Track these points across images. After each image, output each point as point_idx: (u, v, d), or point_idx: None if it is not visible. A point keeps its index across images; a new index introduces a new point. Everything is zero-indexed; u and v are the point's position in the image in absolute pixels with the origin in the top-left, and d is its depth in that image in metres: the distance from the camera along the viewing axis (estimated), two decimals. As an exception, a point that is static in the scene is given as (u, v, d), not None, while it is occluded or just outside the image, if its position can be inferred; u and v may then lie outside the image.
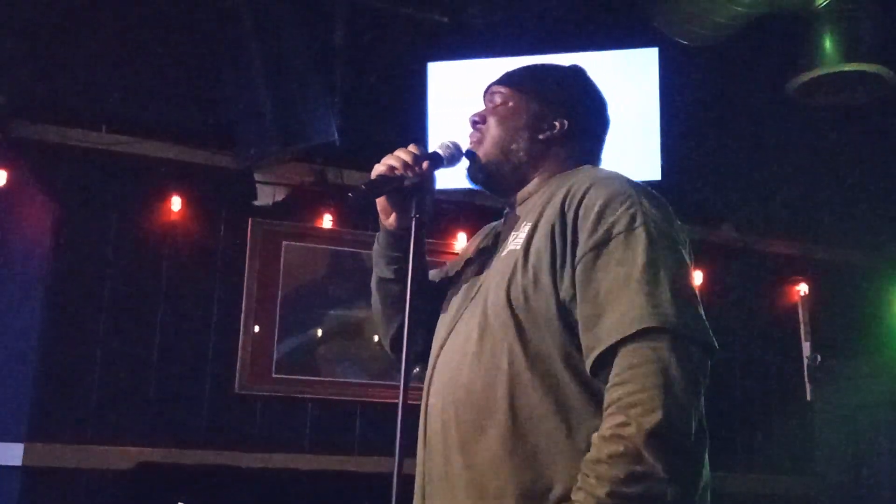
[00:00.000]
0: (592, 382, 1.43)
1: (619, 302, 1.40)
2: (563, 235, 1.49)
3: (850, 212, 4.78)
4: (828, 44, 3.56)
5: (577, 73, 1.81)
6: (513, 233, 1.62)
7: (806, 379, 4.59)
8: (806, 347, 4.70)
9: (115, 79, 3.89)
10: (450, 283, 1.77)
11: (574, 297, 1.45)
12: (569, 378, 1.44)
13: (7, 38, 3.68)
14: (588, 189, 1.51)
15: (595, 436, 1.34)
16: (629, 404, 1.32)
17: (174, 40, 3.92)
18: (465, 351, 1.54)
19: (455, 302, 1.68)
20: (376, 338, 1.96)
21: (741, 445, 4.68)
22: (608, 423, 1.33)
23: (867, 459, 4.08)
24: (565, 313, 1.46)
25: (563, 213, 1.51)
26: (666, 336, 1.36)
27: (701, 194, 4.46)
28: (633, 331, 1.36)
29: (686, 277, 1.47)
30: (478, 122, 1.74)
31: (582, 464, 1.34)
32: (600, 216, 1.46)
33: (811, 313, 4.77)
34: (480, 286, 1.62)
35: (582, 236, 1.47)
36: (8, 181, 3.70)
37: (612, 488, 1.28)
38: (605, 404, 1.36)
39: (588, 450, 1.36)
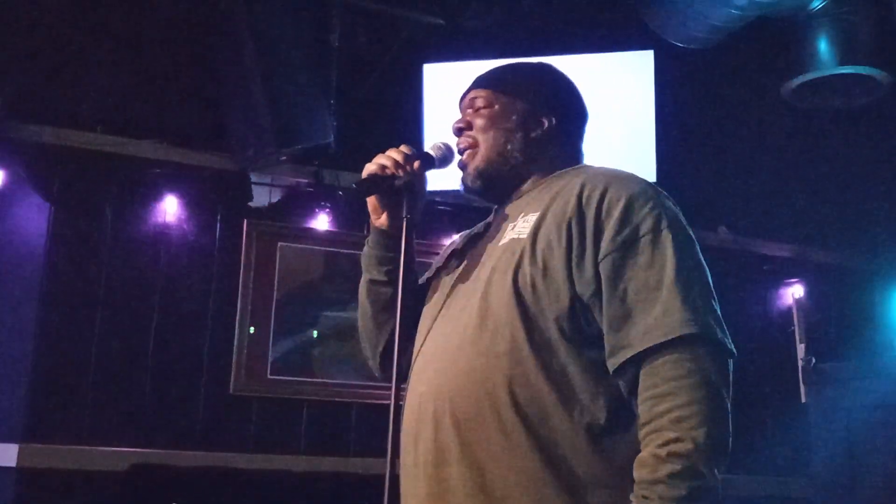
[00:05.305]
0: (597, 373, 1.43)
1: (651, 305, 1.40)
2: (580, 230, 1.48)
3: (845, 214, 4.79)
4: (823, 46, 3.57)
5: (549, 68, 1.80)
6: (510, 223, 1.60)
7: (801, 381, 4.60)
8: (801, 350, 4.71)
9: (110, 79, 3.88)
10: (434, 277, 1.75)
11: (595, 293, 1.44)
12: (573, 368, 1.44)
13: (2, 39, 3.67)
14: (608, 186, 1.51)
15: (646, 454, 1.35)
16: (679, 418, 1.34)
17: (170, 41, 3.92)
18: (461, 337, 1.52)
19: (442, 290, 1.66)
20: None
21: (736, 447, 4.65)
22: (660, 440, 1.34)
23: (862, 461, 4.09)
24: (581, 307, 1.46)
25: (580, 208, 1.49)
26: (703, 344, 1.38)
27: (696, 196, 4.44)
28: (672, 337, 1.37)
29: (710, 283, 1.48)
30: (464, 128, 1.71)
31: (636, 485, 1.34)
32: (625, 214, 1.46)
33: (806, 315, 4.78)
34: (476, 273, 1.59)
35: (607, 233, 1.46)
36: (3, 182, 3.69)
37: None
38: (646, 415, 1.37)
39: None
